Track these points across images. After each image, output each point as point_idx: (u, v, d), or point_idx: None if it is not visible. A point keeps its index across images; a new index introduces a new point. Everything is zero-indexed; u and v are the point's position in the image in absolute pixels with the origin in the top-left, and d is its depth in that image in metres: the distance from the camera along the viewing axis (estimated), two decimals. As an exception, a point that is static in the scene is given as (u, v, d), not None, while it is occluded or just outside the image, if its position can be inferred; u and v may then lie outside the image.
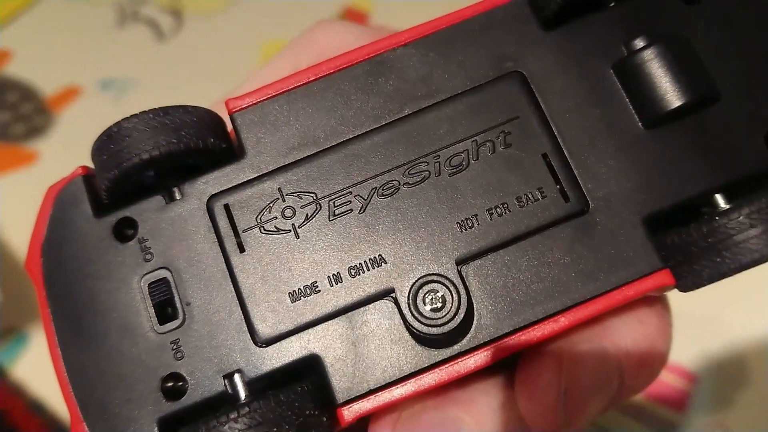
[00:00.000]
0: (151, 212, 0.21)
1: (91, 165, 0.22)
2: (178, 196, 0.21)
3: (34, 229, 0.21)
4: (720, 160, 0.21)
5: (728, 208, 0.20)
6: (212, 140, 0.21)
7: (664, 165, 0.21)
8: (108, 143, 0.20)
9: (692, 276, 0.20)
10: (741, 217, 0.19)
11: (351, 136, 0.22)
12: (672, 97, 0.21)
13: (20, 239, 0.64)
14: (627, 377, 0.22)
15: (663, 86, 0.21)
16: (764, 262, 0.19)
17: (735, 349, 0.50)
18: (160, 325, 0.20)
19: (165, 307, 0.21)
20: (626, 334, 0.22)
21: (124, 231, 0.21)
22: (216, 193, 0.21)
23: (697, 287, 0.21)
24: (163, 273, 0.21)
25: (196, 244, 0.21)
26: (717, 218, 0.19)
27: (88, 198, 0.21)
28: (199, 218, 0.21)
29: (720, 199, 0.21)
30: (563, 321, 0.20)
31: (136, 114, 0.20)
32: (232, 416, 0.19)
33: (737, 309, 0.51)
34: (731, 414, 0.48)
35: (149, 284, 0.21)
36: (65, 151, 0.70)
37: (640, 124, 0.21)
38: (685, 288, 0.21)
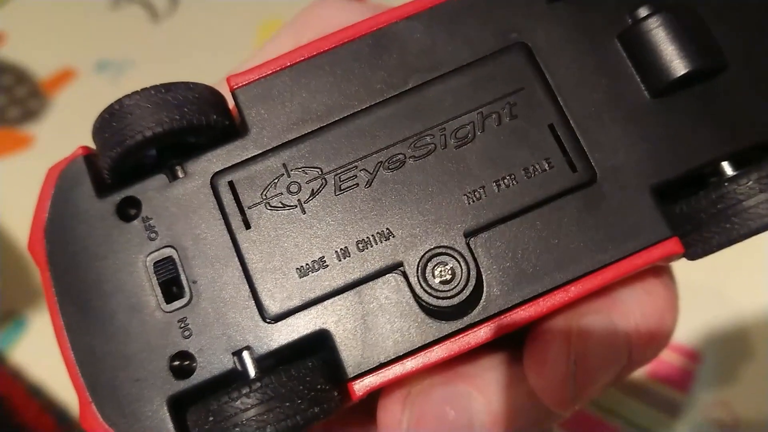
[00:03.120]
0: (155, 191, 0.21)
1: (89, 145, 0.22)
2: (180, 174, 0.21)
3: (36, 211, 0.21)
4: (727, 129, 0.21)
5: (737, 174, 0.20)
6: (215, 117, 0.21)
7: (671, 134, 0.21)
8: (110, 121, 0.20)
9: (701, 243, 0.20)
10: (750, 183, 0.19)
11: (355, 111, 0.21)
12: (677, 65, 0.20)
13: (17, 223, 0.63)
14: (635, 348, 0.22)
15: (668, 54, 0.20)
16: None
17: (739, 328, 0.50)
18: (167, 303, 0.20)
19: (171, 286, 0.20)
20: (634, 305, 0.22)
21: (128, 210, 0.21)
22: (220, 171, 0.21)
23: (706, 254, 0.21)
24: (169, 251, 0.20)
25: (201, 221, 0.21)
26: (726, 184, 0.20)
27: (90, 178, 0.21)
28: (204, 196, 0.21)
29: (727, 168, 0.21)
30: (573, 291, 0.20)
31: (137, 91, 0.20)
32: (243, 392, 0.18)
33: (741, 287, 0.51)
34: (735, 392, 0.48)
35: (155, 263, 0.20)
36: (61, 135, 0.69)
37: (646, 93, 0.21)
38: (694, 256, 0.21)
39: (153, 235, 0.21)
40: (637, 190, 0.20)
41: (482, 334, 0.20)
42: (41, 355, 0.56)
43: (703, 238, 0.20)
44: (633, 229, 0.20)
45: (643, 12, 0.21)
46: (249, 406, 0.18)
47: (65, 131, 0.70)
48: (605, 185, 0.20)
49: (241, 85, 0.22)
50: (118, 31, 0.77)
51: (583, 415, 0.48)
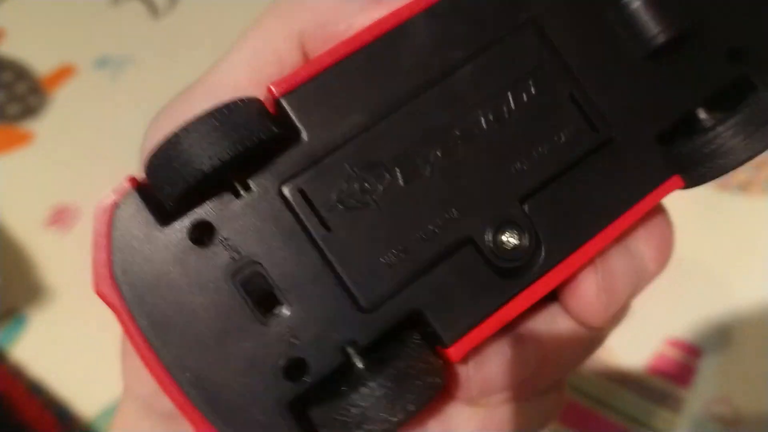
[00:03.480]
0: (223, 210, 0.20)
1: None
2: (244, 189, 0.21)
3: (95, 253, 0.20)
4: (706, 76, 0.24)
5: (720, 119, 0.24)
6: (275, 128, 0.20)
7: (665, 88, 0.24)
8: (181, 149, 0.19)
9: (696, 177, 0.24)
10: (731, 125, 0.23)
11: (399, 102, 0.22)
12: (659, 34, 0.23)
13: (18, 219, 0.64)
14: (648, 263, 0.25)
15: (650, 25, 0.24)
16: (754, 158, 0.23)
17: (740, 323, 0.50)
18: (264, 317, 0.20)
19: (265, 300, 0.21)
20: (642, 232, 0.25)
21: (201, 234, 0.20)
22: (285, 180, 0.21)
23: (700, 184, 0.24)
24: (254, 267, 0.20)
25: (279, 232, 0.21)
26: (716, 128, 0.23)
27: (149, 209, 0.20)
28: (275, 207, 0.21)
29: (702, 113, 0.24)
30: (612, 230, 0.23)
31: (198, 117, 0.20)
32: (378, 381, 0.20)
33: (743, 282, 0.51)
34: (736, 388, 0.48)
35: (242, 281, 0.20)
36: (61, 131, 0.70)
37: (640, 57, 0.24)
38: (689, 186, 0.24)
39: (234, 254, 0.20)
40: (645, 139, 0.24)
41: (550, 280, 0.22)
42: (41, 352, 0.56)
43: (698, 172, 0.24)
44: (645, 172, 0.24)
45: None
46: (385, 389, 0.20)
47: (65, 128, 0.70)
48: (620, 139, 0.24)
49: (287, 91, 0.21)
50: (117, 27, 0.77)
51: (583, 410, 0.48)
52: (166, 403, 0.22)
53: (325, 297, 0.21)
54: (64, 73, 0.74)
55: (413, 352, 0.21)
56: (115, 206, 0.20)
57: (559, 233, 0.23)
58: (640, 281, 0.26)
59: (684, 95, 0.24)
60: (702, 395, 0.48)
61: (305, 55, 0.24)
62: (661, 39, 0.23)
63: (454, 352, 0.22)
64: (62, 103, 0.72)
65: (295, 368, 0.20)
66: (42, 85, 0.73)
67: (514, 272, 0.22)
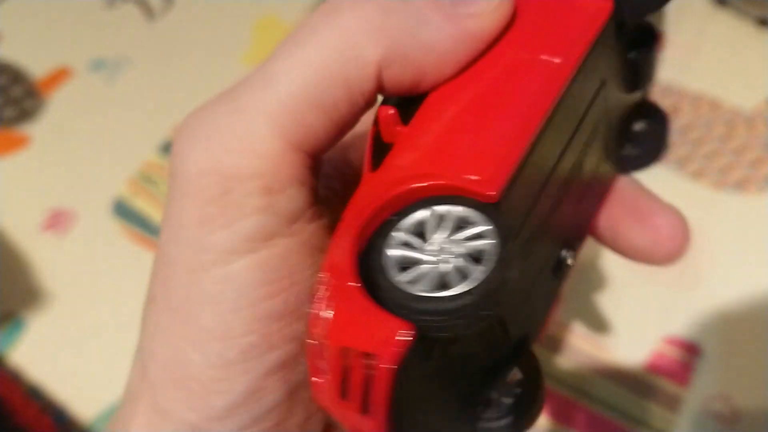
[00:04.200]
0: None
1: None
2: None
3: (373, 411, 0.19)
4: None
5: (642, 134, 0.29)
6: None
7: (624, 109, 0.28)
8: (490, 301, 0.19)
9: (625, 171, 0.30)
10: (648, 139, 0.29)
11: (548, 173, 0.23)
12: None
13: (14, 224, 0.63)
14: None
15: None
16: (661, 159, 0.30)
17: (739, 320, 0.50)
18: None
19: None
20: None
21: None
22: None
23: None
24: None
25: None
26: (640, 138, 0.30)
27: (422, 352, 0.19)
28: None
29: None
30: (590, 228, 0.29)
31: (498, 259, 0.19)
32: (517, 410, 0.22)
33: (740, 280, 0.51)
34: (735, 385, 0.48)
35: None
36: (57, 135, 0.69)
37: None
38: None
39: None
40: (612, 152, 0.28)
41: (568, 275, 0.27)
42: (40, 356, 0.56)
43: (626, 168, 0.30)
44: (607, 176, 0.29)
45: None
46: (524, 410, 0.23)
47: (61, 131, 0.70)
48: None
49: (501, 192, 0.19)
50: (113, 30, 0.76)
51: (580, 409, 0.48)
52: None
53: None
54: (59, 76, 0.74)
55: (528, 367, 0.24)
56: (398, 361, 0.18)
57: (575, 238, 0.27)
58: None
59: (627, 112, 0.28)
60: (700, 393, 0.48)
61: (376, 79, 0.21)
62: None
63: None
64: (58, 106, 0.72)
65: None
66: (37, 88, 0.73)
67: (560, 276, 0.27)
